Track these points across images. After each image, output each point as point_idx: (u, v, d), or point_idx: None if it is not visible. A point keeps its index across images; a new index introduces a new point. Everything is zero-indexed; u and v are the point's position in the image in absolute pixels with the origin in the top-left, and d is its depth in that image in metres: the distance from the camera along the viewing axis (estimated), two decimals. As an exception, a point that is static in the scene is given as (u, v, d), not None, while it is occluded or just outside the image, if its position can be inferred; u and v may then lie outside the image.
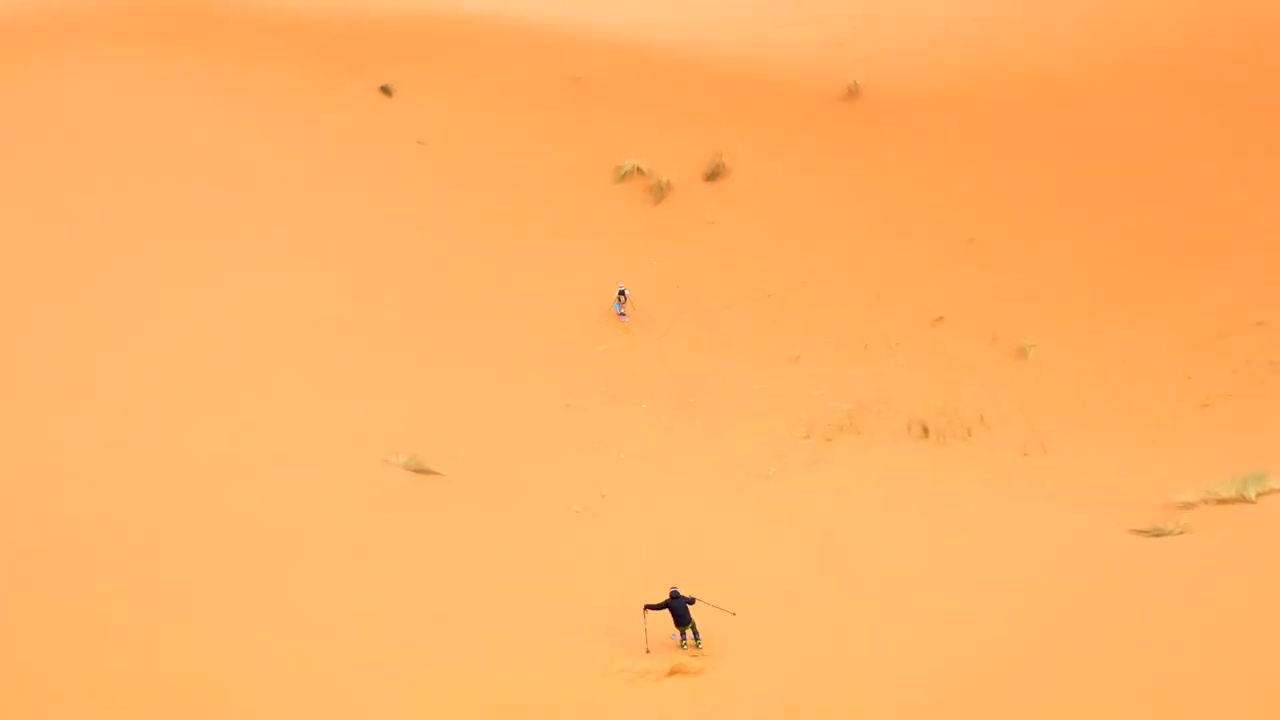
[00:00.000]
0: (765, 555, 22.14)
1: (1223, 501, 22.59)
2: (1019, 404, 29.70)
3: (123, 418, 26.72)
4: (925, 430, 29.05)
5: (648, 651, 18.46)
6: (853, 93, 39.25)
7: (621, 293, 34.60)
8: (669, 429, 30.01)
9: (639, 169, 38.62)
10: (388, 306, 33.29)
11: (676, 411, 30.89)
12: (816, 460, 28.17)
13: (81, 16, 42.22)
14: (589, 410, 30.61)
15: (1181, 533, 21.33)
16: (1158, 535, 21.59)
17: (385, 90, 41.93)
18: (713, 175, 38.38)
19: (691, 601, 18.69)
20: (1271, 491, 22.06)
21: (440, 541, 22.30)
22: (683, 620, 18.63)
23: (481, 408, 29.98)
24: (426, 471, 25.40)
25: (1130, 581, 19.11)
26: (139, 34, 41.82)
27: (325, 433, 26.88)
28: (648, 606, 18.72)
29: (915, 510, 24.19)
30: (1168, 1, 37.51)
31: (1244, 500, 22.02)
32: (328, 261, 34.78)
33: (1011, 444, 28.15)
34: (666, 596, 18.75)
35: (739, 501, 25.96)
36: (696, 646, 18.74)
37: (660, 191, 37.97)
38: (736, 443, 29.39)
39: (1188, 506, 22.77)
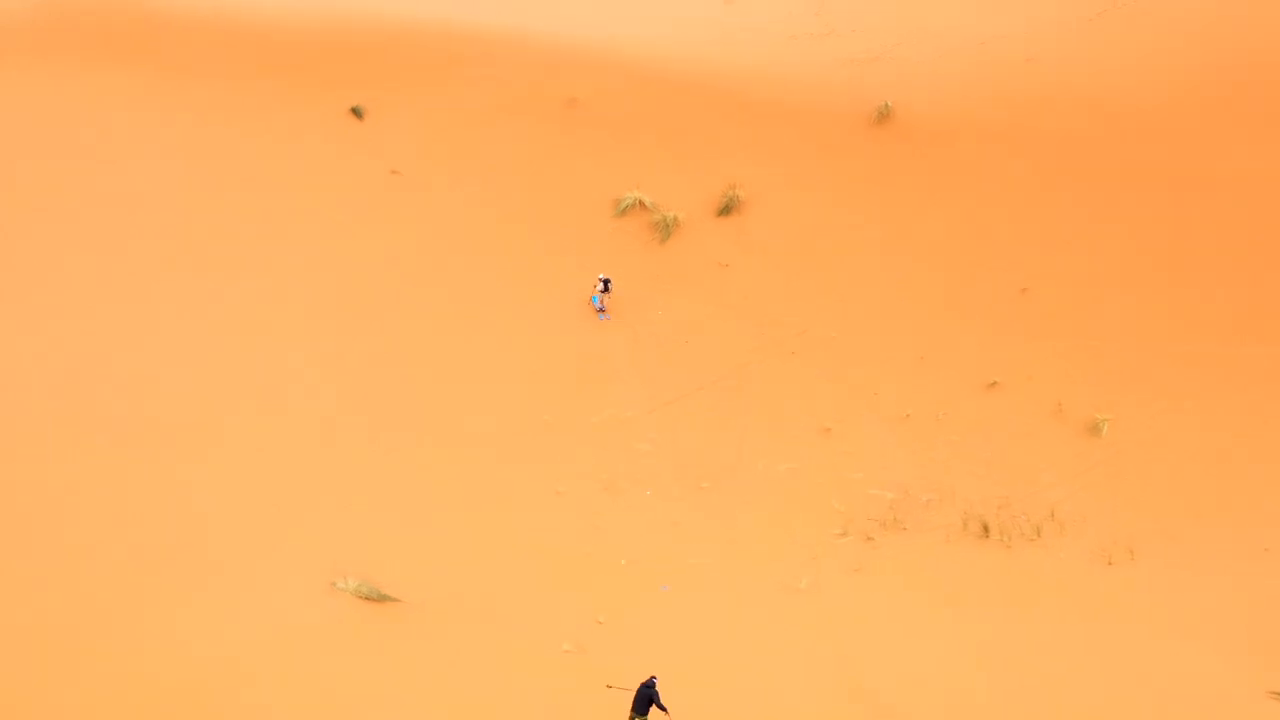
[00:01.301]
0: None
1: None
2: (1096, 494, 25.04)
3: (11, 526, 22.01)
4: (985, 528, 24.37)
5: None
6: (884, 116, 34.55)
7: (605, 283, 30.87)
8: (678, 523, 25.28)
9: (641, 203, 33.94)
10: (346, 373, 28.52)
11: (687, 498, 26.18)
12: (857, 567, 23.47)
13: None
14: (583, 499, 25.87)
15: (1344, 703, 16.72)
16: (1311, 704, 16.97)
17: (356, 112, 37.18)
18: (725, 210, 33.67)
19: (663, 708, 17.94)
20: None
21: (392, 703, 17.58)
22: (638, 711, 17.95)
23: (454, 499, 25.24)
24: (382, 599, 20.67)
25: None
26: (64, 47, 36.85)
27: (262, 544, 22.18)
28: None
29: (987, 653, 19.46)
30: (1254, 15, 32.64)
31: None
32: (279, 318, 30.02)
33: (1091, 547, 23.52)
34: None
35: (766, 630, 21.30)
36: None
37: (666, 229, 33.27)
38: (760, 541, 24.72)
39: (1337, 654, 18.21)
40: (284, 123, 36.53)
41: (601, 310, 31.23)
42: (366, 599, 20.51)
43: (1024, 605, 21.76)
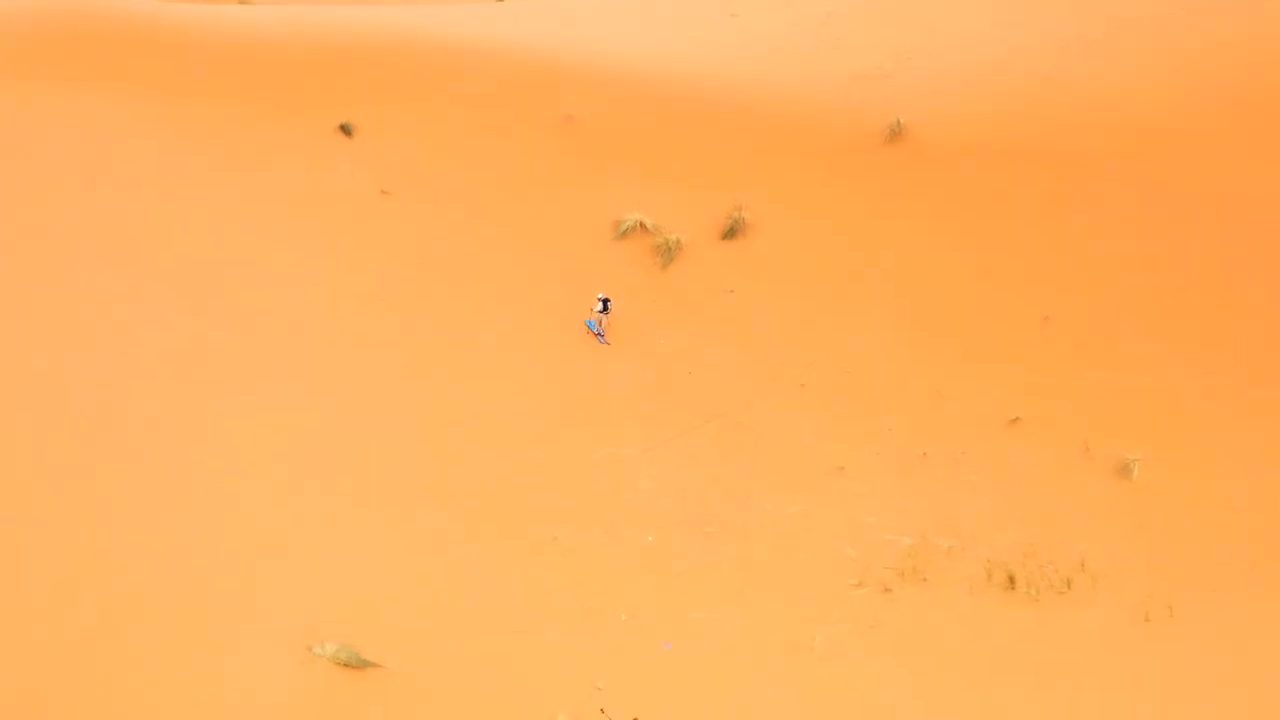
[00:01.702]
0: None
1: None
2: (1130, 542, 23.41)
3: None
4: (1011, 579, 22.75)
5: None
6: (895, 134, 33.04)
7: (604, 303, 29.43)
8: (682, 573, 23.65)
9: (642, 225, 32.43)
10: (329, 411, 26.88)
11: (691, 544, 24.55)
12: (874, 624, 21.85)
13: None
14: (581, 546, 24.24)
15: None
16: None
17: (345, 129, 35.72)
18: (731, 233, 32.15)
19: None
20: None
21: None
22: None
23: (443, 547, 23.60)
24: (363, 665, 19.05)
25: None
26: (37, 66, 35.45)
27: (232, 605, 20.51)
28: None
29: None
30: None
31: None
32: (255, 350, 28.41)
33: (1127, 602, 21.87)
34: None
35: (776, 696, 19.67)
36: None
37: (668, 253, 31.75)
38: (769, 592, 23.10)
39: None
40: (267, 139, 35.04)
41: (600, 335, 29.76)
42: (345, 665, 18.91)
43: (1055, 669, 20.17)
